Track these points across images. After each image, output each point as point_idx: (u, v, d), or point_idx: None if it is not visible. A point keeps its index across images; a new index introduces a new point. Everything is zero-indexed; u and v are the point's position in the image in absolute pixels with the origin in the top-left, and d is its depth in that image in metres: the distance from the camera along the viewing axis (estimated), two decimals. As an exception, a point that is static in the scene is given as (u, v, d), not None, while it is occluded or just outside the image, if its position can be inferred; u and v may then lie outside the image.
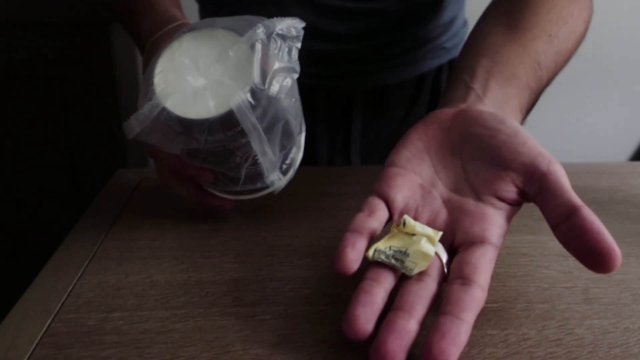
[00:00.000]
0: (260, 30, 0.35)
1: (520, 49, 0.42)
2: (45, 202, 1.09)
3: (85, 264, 0.39)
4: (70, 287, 0.36)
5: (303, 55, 0.37)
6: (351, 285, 0.36)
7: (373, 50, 0.63)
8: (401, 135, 0.38)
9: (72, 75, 1.02)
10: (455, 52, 0.68)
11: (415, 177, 0.35)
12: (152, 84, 0.36)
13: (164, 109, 0.35)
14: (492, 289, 0.32)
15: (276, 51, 0.36)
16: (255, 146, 0.36)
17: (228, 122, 0.35)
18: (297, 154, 0.42)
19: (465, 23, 0.70)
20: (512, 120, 0.34)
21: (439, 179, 0.35)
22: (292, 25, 0.37)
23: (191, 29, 0.38)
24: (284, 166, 0.41)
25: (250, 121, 0.35)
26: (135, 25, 0.48)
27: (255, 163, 0.38)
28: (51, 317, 0.33)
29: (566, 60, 0.45)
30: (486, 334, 0.31)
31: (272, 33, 0.36)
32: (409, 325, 0.27)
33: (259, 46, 0.35)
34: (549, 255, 0.39)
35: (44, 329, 0.32)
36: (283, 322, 0.33)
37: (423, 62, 0.66)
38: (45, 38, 0.99)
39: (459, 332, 0.27)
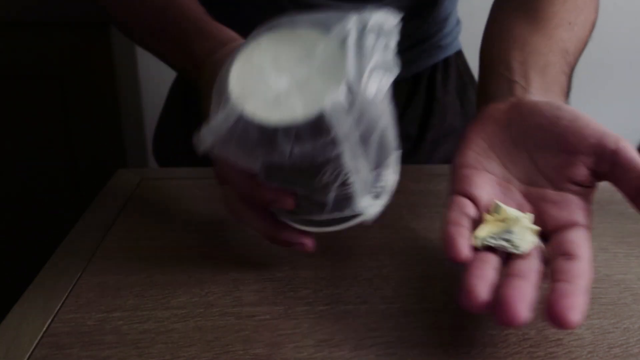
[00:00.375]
0: (351, 25, 0.30)
1: (547, 39, 0.42)
2: (45, 202, 1.09)
3: (85, 264, 0.39)
4: (70, 287, 0.36)
5: None
6: (351, 285, 0.36)
7: None
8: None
9: (72, 75, 1.02)
10: (449, 50, 0.68)
11: (489, 175, 0.35)
12: (227, 89, 0.31)
13: (242, 116, 0.29)
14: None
15: (371, 48, 0.31)
16: (348, 161, 0.30)
17: (318, 128, 0.29)
18: (392, 176, 0.36)
19: (458, 22, 0.70)
20: (567, 105, 0.35)
21: (511, 174, 0.35)
22: (386, 17, 0.31)
23: (269, 28, 0.33)
24: (376, 190, 0.34)
25: (344, 127, 0.29)
26: (182, 49, 0.44)
27: (344, 184, 0.32)
28: (51, 317, 0.33)
29: (584, 47, 0.46)
30: (486, 334, 0.31)
31: (364, 27, 0.30)
32: (527, 287, 0.27)
33: (351, 41, 0.30)
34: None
35: (44, 329, 0.32)
36: (283, 322, 0.33)
37: (420, 61, 0.66)
38: (45, 38, 0.99)
39: (578, 293, 0.27)
